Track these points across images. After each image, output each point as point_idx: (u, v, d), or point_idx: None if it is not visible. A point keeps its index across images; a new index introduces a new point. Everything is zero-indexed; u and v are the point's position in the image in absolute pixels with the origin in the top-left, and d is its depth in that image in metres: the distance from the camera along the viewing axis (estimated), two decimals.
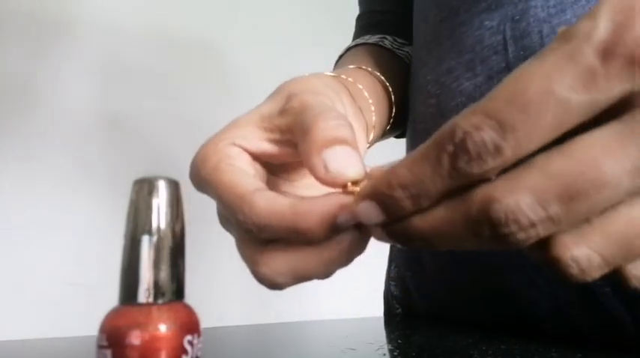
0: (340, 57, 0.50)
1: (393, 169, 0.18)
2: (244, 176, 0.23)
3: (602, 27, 0.15)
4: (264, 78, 1.16)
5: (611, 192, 0.15)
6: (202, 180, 0.24)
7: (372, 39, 0.49)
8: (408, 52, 0.50)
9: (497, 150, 0.16)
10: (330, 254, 0.22)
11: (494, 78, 0.35)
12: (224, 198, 0.23)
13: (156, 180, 0.19)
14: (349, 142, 0.21)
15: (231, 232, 0.26)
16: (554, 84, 0.15)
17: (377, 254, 0.65)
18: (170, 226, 0.19)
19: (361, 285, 1.02)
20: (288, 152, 0.25)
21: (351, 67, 0.40)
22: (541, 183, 0.15)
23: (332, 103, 0.27)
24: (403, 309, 0.52)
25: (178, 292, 0.19)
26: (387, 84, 0.41)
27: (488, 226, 0.16)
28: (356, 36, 0.55)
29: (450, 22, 0.38)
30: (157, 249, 0.18)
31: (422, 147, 0.18)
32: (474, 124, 0.16)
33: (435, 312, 0.48)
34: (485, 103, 0.16)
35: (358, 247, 0.22)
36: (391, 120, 0.43)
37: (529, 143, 0.16)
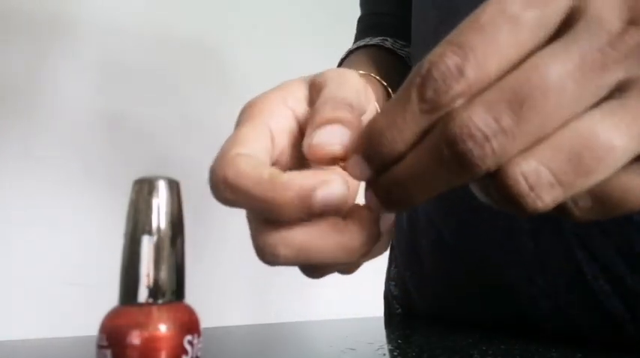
0: (342, 60, 0.50)
1: (372, 118, 0.18)
2: (260, 138, 0.22)
3: None
4: (264, 78, 1.16)
5: (558, 98, 0.15)
6: (237, 122, 0.23)
7: (373, 41, 0.49)
8: (409, 52, 0.50)
9: (460, 71, 0.16)
10: (344, 238, 0.20)
11: None
12: (221, 149, 0.21)
13: (156, 180, 0.19)
14: (343, 121, 0.21)
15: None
16: (506, 4, 0.16)
17: None
18: (170, 226, 0.19)
19: (361, 285, 1.02)
20: None
21: (362, 72, 0.40)
22: (492, 96, 0.16)
23: (357, 90, 0.25)
24: (403, 309, 0.52)
25: (178, 292, 0.19)
26: (390, 90, 0.42)
27: (447, 146, 0.16)
28: (357, 38, 0.55)
29: (450, 23, 0.38)
30: (157, 249, 0.18)
31: (397, 91, 0.18)
32: (438, 53, 0.16)
33: (434, 312, 0.48)
34: (449, 35, 0.17)
35: (371, 240, 0.21)
36: None
37: (489, 61, 0.16)
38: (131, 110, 1.02)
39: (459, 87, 0.16)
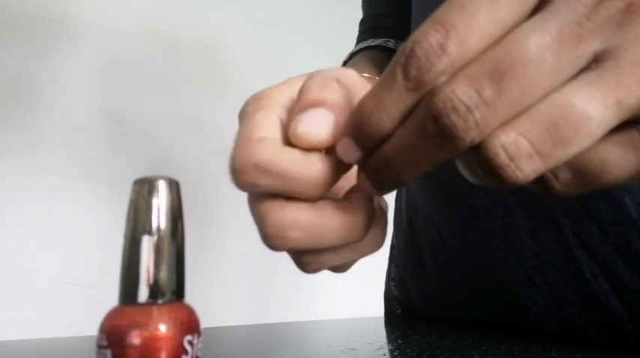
0: (344, 62, 0.50)
1: (360, 99, 0.19)
2: (275, 125, 0.22)
3: None
4: (264, 78, 1.16)
5: (537, 70, 0.16)
6: (242, 114, 0.23)
7: (376, 42, 0.50)
8: None
9: (442, 48, 0.16)
10: (351, 216, 0.21)
11: None
12: (238, 135, 0.22)
13: (156, 180, 0.19)
14: (328, 103, 0.21)
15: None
16: None
17: (377, 254, 0.65)
18: (170, 226, 0.19)
19: (361, 285, 1.02)
20: None
21: (366, 75, 0.40)
22: (474, 70, 0.16)
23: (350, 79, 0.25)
24: (403, 309, 0.52)
25: (178, 292, 0.19)
26: None
27: (432, 121, 0.16)
28: (359, 40, 0.55)
29: None
30: (157, 249, 0.18)
31: (383, 72, 0.18)
32: (422, 32, 0.17)
33: (434, 312, 0.48)
34: (432, 15, 0.17)
35: (371, 217, 0.22)
36: None
37: (470, 37, 0.16)
38: (131, 110, 1.02)
39: (441, 64, 0.16)
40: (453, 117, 0.16)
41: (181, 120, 1.06)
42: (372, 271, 0.78)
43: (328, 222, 0.21)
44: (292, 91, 0.24)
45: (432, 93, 0.16)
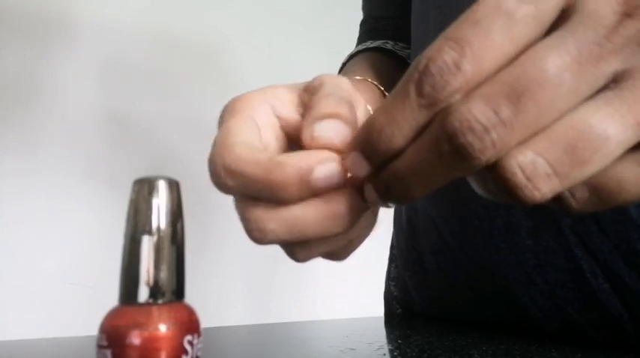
0: (344, 64, 0.50)
1: (371, 115, 0.19)
2: (249, 129, 0.23)
3: None
4: (264, 78, 1.16)
5: (555, 90, 0.15)
6: (220, 118, 0.24)
7: (374, 44, 0.50)
8: (410, 53, 0.50)
9: (457, 66, 0.16)
10: (331, 207, 0.21)
11: None
12: (216, 138, 0.22)
13: (156, 180, 0.19)
14: (342, 117, 0.21)
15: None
16: (502, 0, 0.16)
17: (377, 254, 0.65)
18: (170, 226, 0.19)
19: (361, 285, 1.02)
20: None
21: (358, 78, 0.40)
22: (491, 89, 0.16)
23: (349, 93, 0.26)
24: (403, 309, 0.52)
25: (178, 292, 0.19)
26: (387, 93, 0.42)
27: (447, 140, 0.16)
28: (359, 41, 0.55)
29: (450, 23, 0.38)
30: (157, 249, 0.18)
31: (395, 88, 0.18)
32: (435, 49, 0.16)
33: (434, 312, 0.48)
34: (446, 30, 0.17)
35: (358, 208, 0.21)
36: None
37: (485, 56, 0.16)
38: (131, 110, 1.02)
39: (456, 82, 0.16)
40: (470, 137, 0.16)
41: (181, 120, 1.06)
42: (372, 271, 0.78)
43: (306, 214, 0.21)
44: (267, 96, 0.24)
45: (446, 112, 0.16)
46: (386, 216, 0.54)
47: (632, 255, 0.33)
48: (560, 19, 0.17)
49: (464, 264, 0.42)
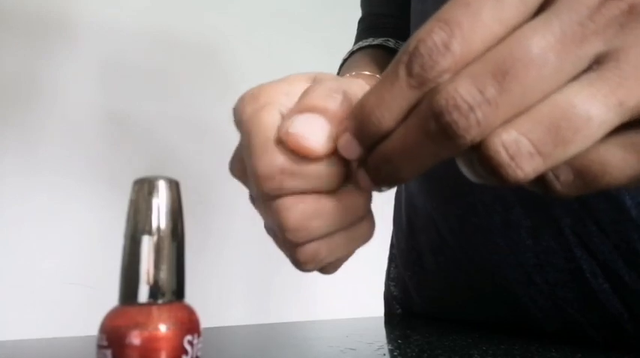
0: (344, 61, 0.50)
1: (362, 97, 0.19)
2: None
3: None
4: (263, 78, 1.16)
5: (539, 70, 0.16)
6: (241, 112, 0.23)
7: (377, 41, 0.50)
8: None
9: (447, 46, 0.16)
10: (355, 194, 0.22)
11: None
12: (253, 139, 0.22)
13: (156, 180, 0.19)
14: (328, 113, 0.21)
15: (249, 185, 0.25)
16: None
17: (377, 254, 0.65)
18: (170, 226, 0.19)
19: (361, 285, 1.02)
20: None
21: (354, 74, 0.40)
22: (477, 68, 0.16)
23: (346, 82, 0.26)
24: (403, 309, 0.52)
25: (178, 292, 0.19)
26: None
27: (433, 118, 0.16)
28: (358, 39, 0.55)
29: None
30: (157, 249, 0.18)
31: (385, 70, 0.18)
32: (426, 30, 0.17)
33: (434, 312, 0.48)
34: (437, 12, 0.17)
35: (361, 198, 0.22)
36: None
37: (474, 36, 0.16)
38: (131, 110, 1.02)
39: (445, 62, 0.16)
40: (455, 115, 0.16)
41: (181, 120, 1.06)
42: (372, 271, 0.78)
43: (340, 204, 0.22)
44: (290, 89, 0.24)
45: (434, 91, 0.16)
46: (386, 216, 0.54)
47: (632, 255, 0.33)
48: (548, 1, 0.17)
49: (464, 264, 0.42)
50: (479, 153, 0.17)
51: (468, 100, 0.16)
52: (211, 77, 1.11)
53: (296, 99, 0.24)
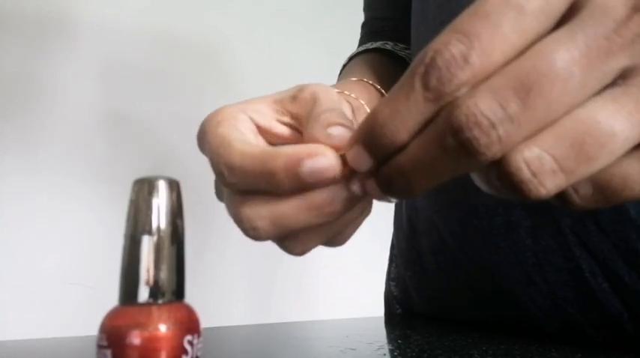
0: (344, 66, 0.50)
1: (374, 108, 0.18)
2: (237, 133, 0.23)
3: None
4: (263, 78, 1.16)
5: (564, 86, 0.15)
6: (202, 133, 0.24)
7: (374, 45, 0.50)
8: (410, 54, 0.50)
9: (465, 59, 0.16)
10: (312, 199, 0.21)
11: None
12: (211, 146, 0.23)
13: (156, 180, 0.19)
14: (347, 127, 0.22)
15: (221, 196, 0.25)
16: None
17: (377, 254, 0.65)
18: (170, 226, 0.19)
19: (361, 285, 1.02)
20: (294, 136, 0.25)
21: (354, 79, 0.40)
22: (499, 83, 0.16)
23: (339, 102, 0.26)
24: (403, 309, 0.52)
25: (178, 292, 0.19)
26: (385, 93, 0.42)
27: (452, 134, 0.16)
28: (361, 43, 0.55)
29: (450, 23, 0.38)
30: (157, 249, 0.18)
31: (399, 81, 0.18)
32: (443, 41, 0.16)
33: (434, 312, 0.48)
34: (453, 23, 0.16)
35: (344, 199, 0.21)
36: None
37: (494, 49, 0.16)
38: (131, 110, 1.02)
39: (463, 75, 0.16)
40: (476, 132, 0.15)
41: (181, 120, 1.06)
42: (372, 271, 0.78)
43: (289, 207, 0.21)
44: (243, 109, 0.25)
45: (452, 105, 0.16)
46: (386, 216, 0.54)
47: (632, 255, 0.33)
48: (569, 13, 0.16)
49: (464, 264, 0.42)
50: (499, 169, 0.16)
51: (489, 116, 0.15)
52: (211, 77, 1.11)
53: (255, 116, 0.25)
